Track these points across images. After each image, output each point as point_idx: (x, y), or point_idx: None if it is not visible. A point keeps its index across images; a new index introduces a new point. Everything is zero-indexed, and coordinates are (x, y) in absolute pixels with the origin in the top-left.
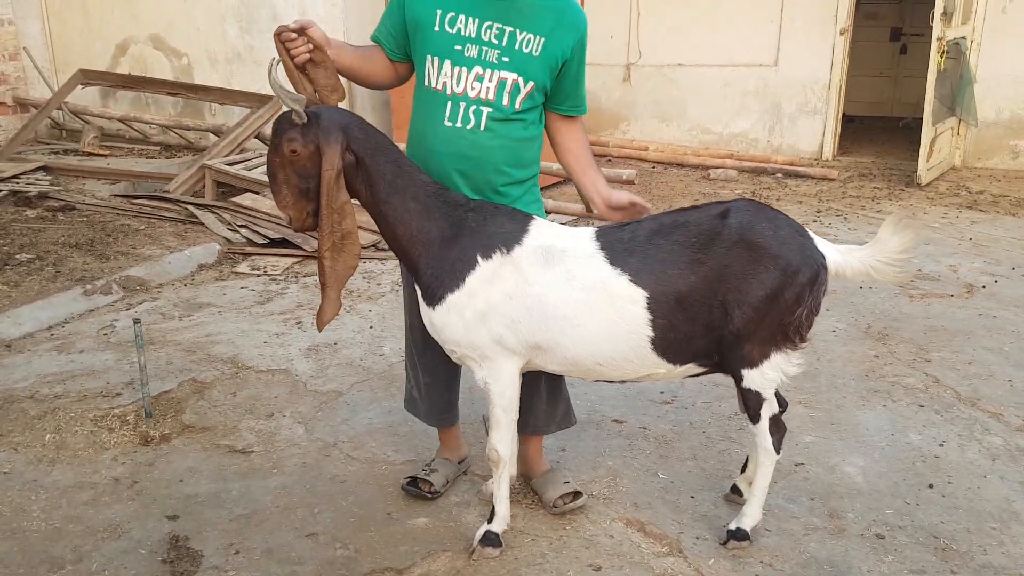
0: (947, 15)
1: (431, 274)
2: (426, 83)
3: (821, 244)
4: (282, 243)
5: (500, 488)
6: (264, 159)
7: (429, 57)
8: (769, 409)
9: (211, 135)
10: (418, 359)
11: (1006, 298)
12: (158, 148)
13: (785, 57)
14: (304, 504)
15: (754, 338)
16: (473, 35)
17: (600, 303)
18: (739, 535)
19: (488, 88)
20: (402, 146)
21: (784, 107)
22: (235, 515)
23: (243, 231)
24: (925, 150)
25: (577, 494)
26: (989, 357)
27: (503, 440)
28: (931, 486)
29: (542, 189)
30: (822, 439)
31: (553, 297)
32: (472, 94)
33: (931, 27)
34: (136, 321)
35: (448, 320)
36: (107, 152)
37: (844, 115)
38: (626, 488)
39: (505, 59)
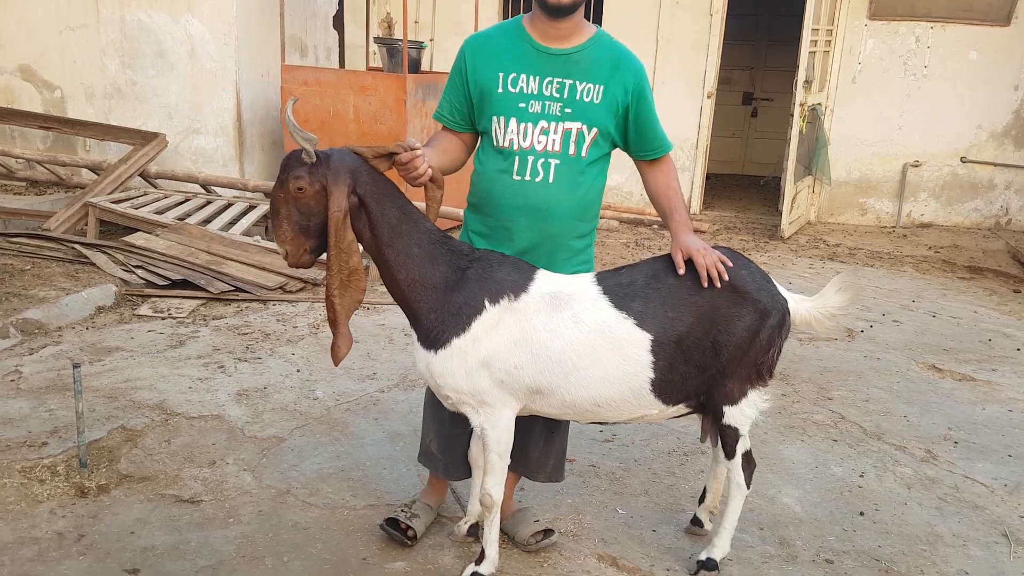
0: (808, 82)
1: (434, 318)
2: (495, 144)
3: (782, 290)
4: (183, 284)
5: (491, 531)
6: (150, 197)
7: (495, 118)
8: (743, 446)
9: (85, 171)
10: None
11: (884, 341)
12: (24, 184)
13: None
14: (271, 553)
15: (736, 377)
16: (535, 92)
17: (605, 346)
18: (709, 565)
19: (554, 140)
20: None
21: None
22: (200, 567)
23: (139, 272)
24: (787, 206)
25: (549, 531)
26: (883, 395)
27: (497, 485)
28: (862, 513)
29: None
30: (756, 473)
31: (560, 342)
32: (539, 148)
33: (780, 92)
34: (76, 365)
35: (449, 366)
36: None
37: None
38: (591, 524)
39: (568, 110)
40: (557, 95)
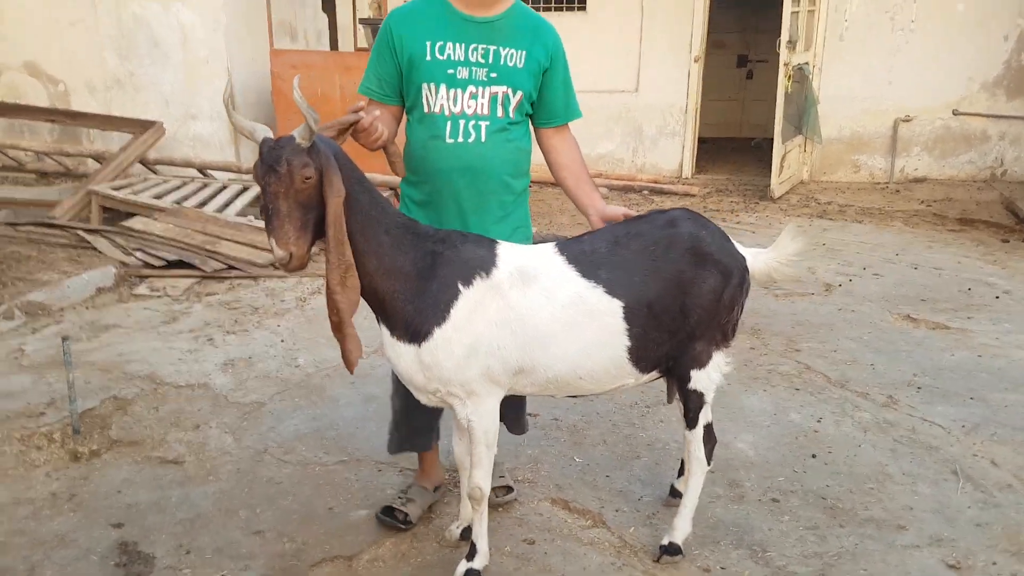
0: (792, 43)
1: (411, 309)
2: (425, 110)
3: (740, 248)
4: (179, 265)
5: (481, 525)
6: (150, 183)
7: (425, 85)
8: (705, 416)
9: (91, 161)
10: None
11: (861, 295)
12: (34, 175)
13: (645, 84)
14: (245, 506)
15: (703, 339)
16: (462, 59)
17: (580, 318)
18: (671, 550)
19: (482, 104)
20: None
21: (645, 130)
22: (179, 519)
23: (138, 254)
24: (777, 166)
25: (509, 488)
26: (852, 345)
27: (486, 477)
28: (814, 456)
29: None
30: (715, 420)
31: (535, 318)
32: (469, 111)
33: (775, 54)
34: (64, 338)
35: (436, 359)
36: None
37: (699, 137)
38: (547, 472)
39: (493, 75)
40: (483, 61)
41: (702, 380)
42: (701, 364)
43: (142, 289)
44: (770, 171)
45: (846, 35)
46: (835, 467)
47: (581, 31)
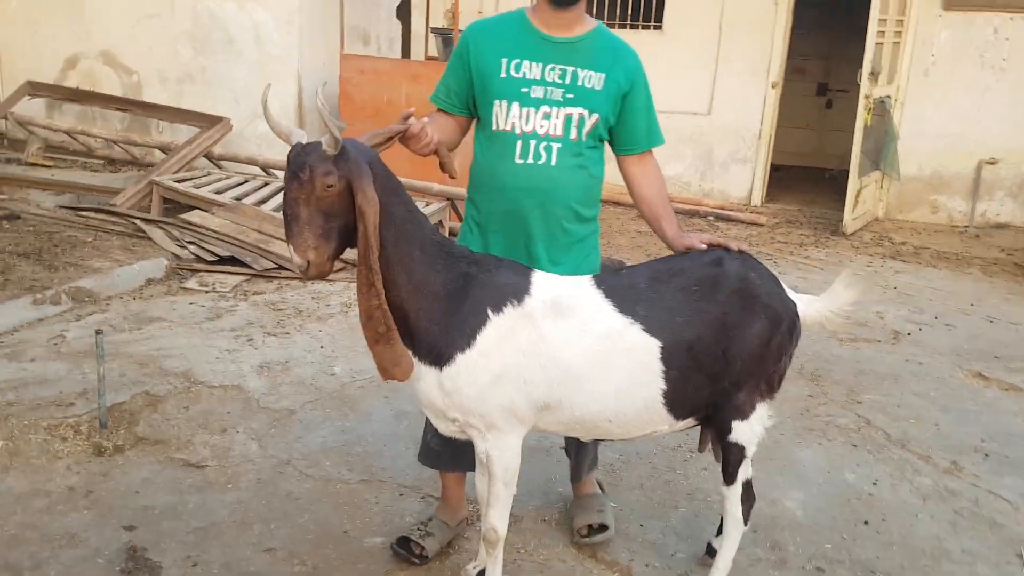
0: (874, 75)
1: (437, 331)
2: (494, 127)
3: (790, 293)
4: (231, 261)
5: (495, 568)
6: (212, 177)
7: (497, 102)
8: (745, 472)
9: (157, 151)
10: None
11: (930, 346)
12: (103, 162)
13: (719, 106)
14: (261, 519)
15: (747, 388)
16: (537, 78)
17: (614, 355)
18: None
19: (556, 124)
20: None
21: (716, 154)
22: (192, 528)
23: (191, 247)
24: (851, 201)
25: (603, 527)
26: (916, 401)
27: (503, 517)
28: (866, 523)
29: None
30: (763, 474)
31: (567, 352)
32: (541, 132)
33: (856, 84)
34: (98, 332)
35: (458, 385)
36: (51, 163)
37: (772, 164)
38: None
39: (570, 96)
40: (559, 81)
41: (744, 432)
42: (744, 415)
43: (192, 283)
44: (844, 205)
45: (932, 70)
46: (888, 537)
47: (656, 50)
